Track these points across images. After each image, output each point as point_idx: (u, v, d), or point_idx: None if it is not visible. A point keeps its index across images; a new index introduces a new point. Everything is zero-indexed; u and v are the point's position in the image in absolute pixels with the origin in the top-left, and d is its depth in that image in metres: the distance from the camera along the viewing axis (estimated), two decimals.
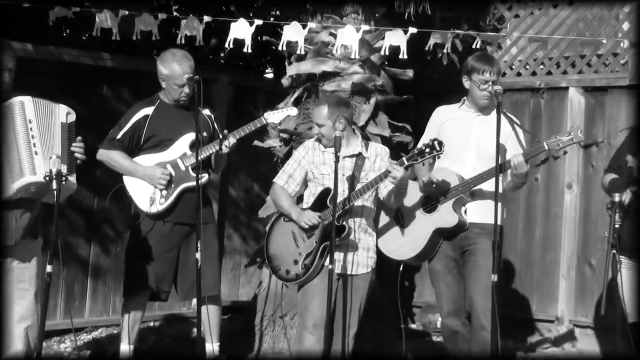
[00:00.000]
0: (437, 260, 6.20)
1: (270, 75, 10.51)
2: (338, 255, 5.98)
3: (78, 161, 5.55)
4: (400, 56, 7.35)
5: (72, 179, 5.49)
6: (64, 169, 5.37)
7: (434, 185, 5.97)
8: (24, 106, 5.37)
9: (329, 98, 6.38)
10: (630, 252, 5.79)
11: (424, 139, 6.27)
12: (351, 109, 6.33)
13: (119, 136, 6.58)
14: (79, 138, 5.58)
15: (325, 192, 6.06)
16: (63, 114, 5.53)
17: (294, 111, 7.08)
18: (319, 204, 6.09)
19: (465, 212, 6.05)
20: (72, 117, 5.59)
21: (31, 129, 5.35)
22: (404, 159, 5.70)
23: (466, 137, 6.12)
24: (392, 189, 5.91)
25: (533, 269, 8.86)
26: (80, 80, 8.30)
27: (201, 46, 7.41)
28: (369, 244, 6.19)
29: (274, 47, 7.79)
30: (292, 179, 6.26)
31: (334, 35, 7.70)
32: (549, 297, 8.74)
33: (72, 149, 5.49)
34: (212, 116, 6.91)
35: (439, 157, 5.79)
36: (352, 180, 6.05)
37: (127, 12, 7.27)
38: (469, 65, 6.11)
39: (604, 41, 8.18)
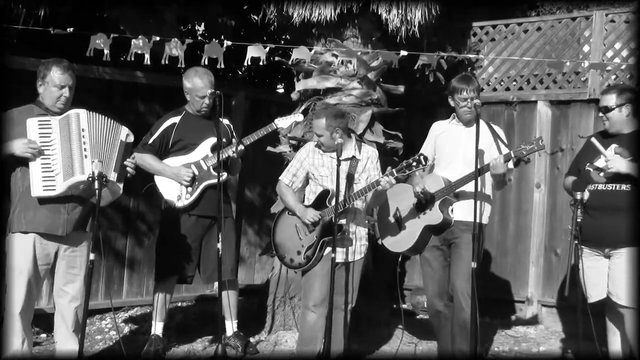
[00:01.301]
0: (427, 249, 6.28)
1: (281, 91, 10.51)
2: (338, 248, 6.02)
3: (128, 175, 5.71)
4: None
5: (120, 185, 5.67)
6: (114, 176, 5.56)
7: (422, 194, 6.05)
8: (79, 117, 5.52)
9: (326, 111, 6.38)
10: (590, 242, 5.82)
11: (422, 150, 6.36)
12: (346, 119, 6.37)
13: (150, 141, 6.65)
14: (133, 155, 5.79)
15: (325, 193, 6.13)
16: (124, 134, 5.73)
17: (300, 117, 7.20)
18: (319, 202, 6.16)
19: (452, 211, 6.11)
20: (131, 138, 5.81)
21: (83, 136, 5.47)
22: (393, 170, 5.78)
23: (455, 147, 6.20)
24: (373, 194, 6.01)
25: (507, 256, 8.88)
26: (117, 96, 8.35)
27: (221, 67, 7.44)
28: (361, 233, 6.27)
29: (284, 66, 7.82)
30: (296, 177, 6.33)
31: (336, 56, 7.74)
32: (520, 281, 8.75)
33: (125, 162, 5.67)
34: (231, 125, 6.96)
35: (423, 170, 5.93)
36: (348, 180, 6.11)
37: (158, 38, 7.29)
38: (451, 86, 6.21)
39: (567, 63, 8.22)
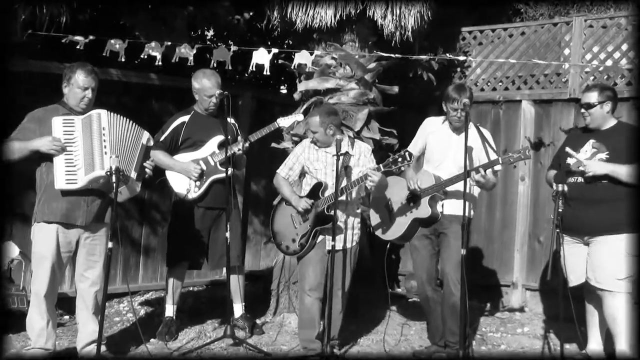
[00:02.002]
0: (416, 238, 6.35)
1: (284, 91, 10.50)
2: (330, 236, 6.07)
3: (146, 175, 5.79)
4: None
5: (138, 184, 5.78)
6: (134, 175, 5.65)
7: (413, 188, 6.12)
8: (100, 117, 5.59)
9: (319, 109, 6.45)
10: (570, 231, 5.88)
11: (413, 143, 6.47)
12: (339, 116, 6.46)
13: (161, 139, 6.68)
14: (152, 158, 5.89)
15: (318, 185, 6.21)
16: (145, 138, 5.84)
17: (300, 117, 7.22)
18: (313, 193, 6.24)
19: (442, 206, 6.16)
20: (151, 142, 5.96)
21: (104, 134, 5.53)
22: (380, 165, 5.88)
23: (446, 150, 6.24)
24: (370, 187, 6.04)
25: (494, 244, 8.89)
26: (133, 97, 8.36)
27: (228, 70, 7.45)
28: (353, 223, 6.33)
29: (287, 69, 7.83)
30: (292, 170, 6.42)
31: (335, 59, 7.77)
32: (506, 267, 8.76)
33: (144, 164, 5.77)
34: (236, 124, 7.00)
35: (408, 165, 5.99)
36: (341, 174, 6.15)
37: (170, 43, 7.32)
38: (445, 93, 6.22)
39: (553, 62, 8.25)
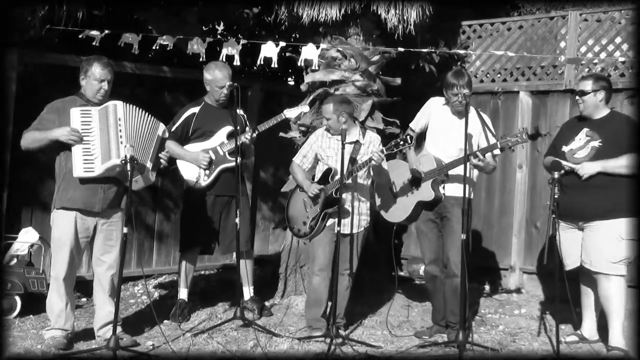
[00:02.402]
0: (422, 222, 6.38)
1: (292, 83, 10.50)
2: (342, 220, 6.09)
3: (161, 166, 5.84)
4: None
5: (153, 174, 5.82)
6: (149, 166, 5.69)
7: (417, 172, 6.17)
8: (116, 108, 5.61)
9: (334, 97, 6.52)
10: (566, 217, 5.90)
11: (415, 120, 6.53)
12: (352, 105, 6.51)
13: (172, 129, 6.71)
14: (167, 150, 5.95)
15: (328, 171, 6.27)
16: (161, 130, 5.88)
17: (306, 108, 7.23)
18: (324, 179, 6.30)
19: (444, 187, 6.18)
20: (166, 134, 5.99)
21: (120, 125, 5.55)
22: (383, 148, 5.93)
23: (448, 133, 6.24)
24: (375, 170, 6.13)
25: (492, 229, 8.89)
26: (146, 89, 8.37)
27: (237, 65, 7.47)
28: (362, 209, 6.38)
29: (295, 61, 7.84)
30: (306, 158, 6.47)
31: (341, 52, 7.77)
32: (504, 250, 8.76)
33: (159, 155, 5.81)
34: (245, 115, 7.02)
35: (409, 148, 6.10)
36: (350, 161, 6.20)
37: (182, 36, 7.33)
38: (445, 80, 6.22)
39: (549, 55, 8.25)
